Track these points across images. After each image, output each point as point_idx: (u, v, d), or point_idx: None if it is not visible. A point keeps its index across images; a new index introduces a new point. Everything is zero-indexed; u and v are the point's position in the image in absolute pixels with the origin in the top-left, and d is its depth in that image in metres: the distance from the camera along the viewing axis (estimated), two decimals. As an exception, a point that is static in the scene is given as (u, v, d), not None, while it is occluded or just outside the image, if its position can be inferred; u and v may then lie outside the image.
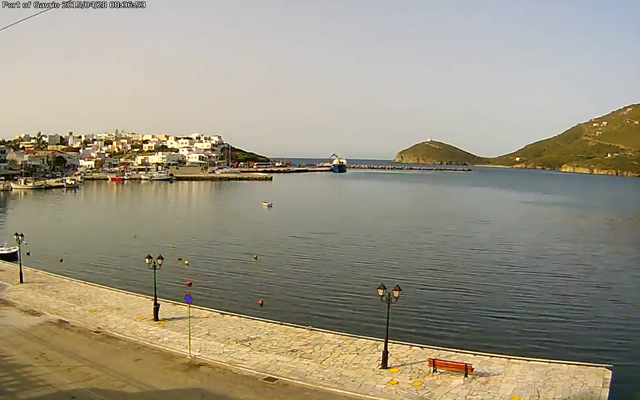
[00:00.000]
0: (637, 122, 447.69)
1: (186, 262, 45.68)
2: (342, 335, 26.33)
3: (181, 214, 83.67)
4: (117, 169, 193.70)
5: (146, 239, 59.31)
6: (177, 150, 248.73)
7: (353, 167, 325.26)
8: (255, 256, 49.34)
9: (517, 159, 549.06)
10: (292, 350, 23.91)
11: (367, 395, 19.43)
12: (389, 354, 22.20)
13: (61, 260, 46.38)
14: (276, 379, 20.77)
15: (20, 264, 37.18)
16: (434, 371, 21.25)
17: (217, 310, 30.38)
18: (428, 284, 40.45)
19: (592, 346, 27.46)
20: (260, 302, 34.27)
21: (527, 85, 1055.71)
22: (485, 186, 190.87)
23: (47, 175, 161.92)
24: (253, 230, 67.50)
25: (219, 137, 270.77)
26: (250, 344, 24.76)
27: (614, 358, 24.50)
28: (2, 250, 47.00)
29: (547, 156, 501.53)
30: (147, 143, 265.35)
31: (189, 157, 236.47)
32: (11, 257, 45.05)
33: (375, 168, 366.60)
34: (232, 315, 29.62)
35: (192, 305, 25.77)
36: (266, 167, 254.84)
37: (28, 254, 47.03)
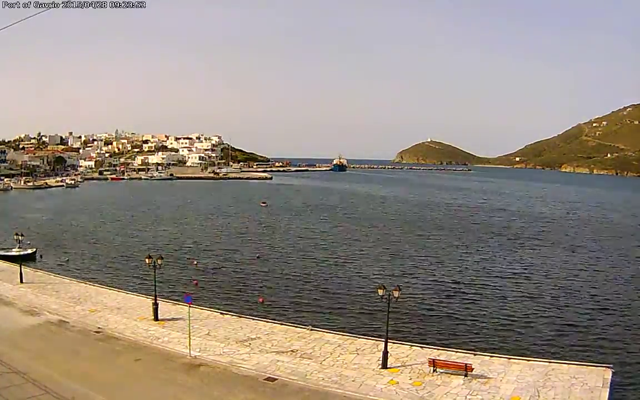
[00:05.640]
0: (637, 122, 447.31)
1: (195, 263, 45.74)
2: (342, 335, 26.33)
3: (181, 214, 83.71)
4: (117, 169, 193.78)
5: (146, 239, 59.39)
6: (177, 150, 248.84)
7: (353, 167, 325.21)
8: (257, 256, 49.34)
9: (517, 159, 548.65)
10: (292, 350, 23.91)
11: (367, 395, 19.42)
12: (389, 354, 22.19)
13: (67, 261, 46.47)
14: (276, 379, 20.76)
15: (21, 264, 37.17)
16: (434, 371, 21.24)
17: (217, 310, 30.40)
18: (428, 284, 40.44)
19: (592, 346, 27.47)
20: (261, 299, 34.29)
21: (527, 85, 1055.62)
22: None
23: (50, 175, 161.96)
24: (252, 229, 67.51)
25: (219, 137, 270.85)
26: (250, 344, 24.75)
27: (614, 358, 24.52)
28: (16, 251, 42.30)
29: (547, 156, 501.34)
30: (147, 143, 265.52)
31: (189, 157, 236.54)
32: (28, 258, 44.37)
33: (376, 168, 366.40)
34: (232, 315, 29.64)
35: (192, 306, 25.78)
36: (266, 168, 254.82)
37: (41, 256, 47.13)
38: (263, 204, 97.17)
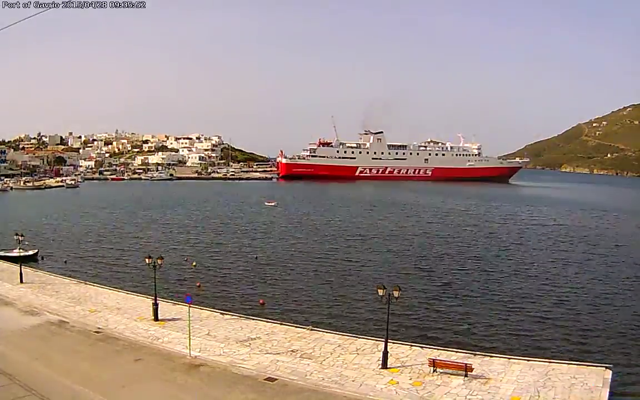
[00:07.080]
0: (637, 122, 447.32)
1: (194, 263, 45.69)
2: (342, 335, 26.34)
3: (181, 213, 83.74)
4: (117, 169, 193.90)
5: (146, 239, 59.38)
6: (177, 151, 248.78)
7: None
8: (255, 256, 49.39)
9: (517, 159, 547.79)
10: (292, 350, 23.92)
11: (367, 395, 19.44)
12: (389, 354, 22.21)
13: (65, 262, 46.51)
14: (276, 379, 20.78)
15: (21, 264, 37.17)
16: (434, 371, 21.26)
17: (217, 310, 30.41)
18: (428, 284, 40.42)
19: (592, 346, 27.47)
20: (261, 302, 34.31)
21: (527, 85, 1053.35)
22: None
23: (50, 176, 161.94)
24: (253, 229, 67.49)
25: (219, 137, 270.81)
26: (250, 344, 24.77)
27: (614, 358, 24.52)
28: (18, 252, 40.67)
29: (547, 156, 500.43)
30: (147, 143, 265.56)
31: (189, 157, 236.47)
32: (30, 259, 44.28)
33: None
34: (232, 315, 29.66)
35: (192, 306, 25.79)
36: (265, 168, 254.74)
37: (42, 258, 47.14)
38: (269, 203, 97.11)
